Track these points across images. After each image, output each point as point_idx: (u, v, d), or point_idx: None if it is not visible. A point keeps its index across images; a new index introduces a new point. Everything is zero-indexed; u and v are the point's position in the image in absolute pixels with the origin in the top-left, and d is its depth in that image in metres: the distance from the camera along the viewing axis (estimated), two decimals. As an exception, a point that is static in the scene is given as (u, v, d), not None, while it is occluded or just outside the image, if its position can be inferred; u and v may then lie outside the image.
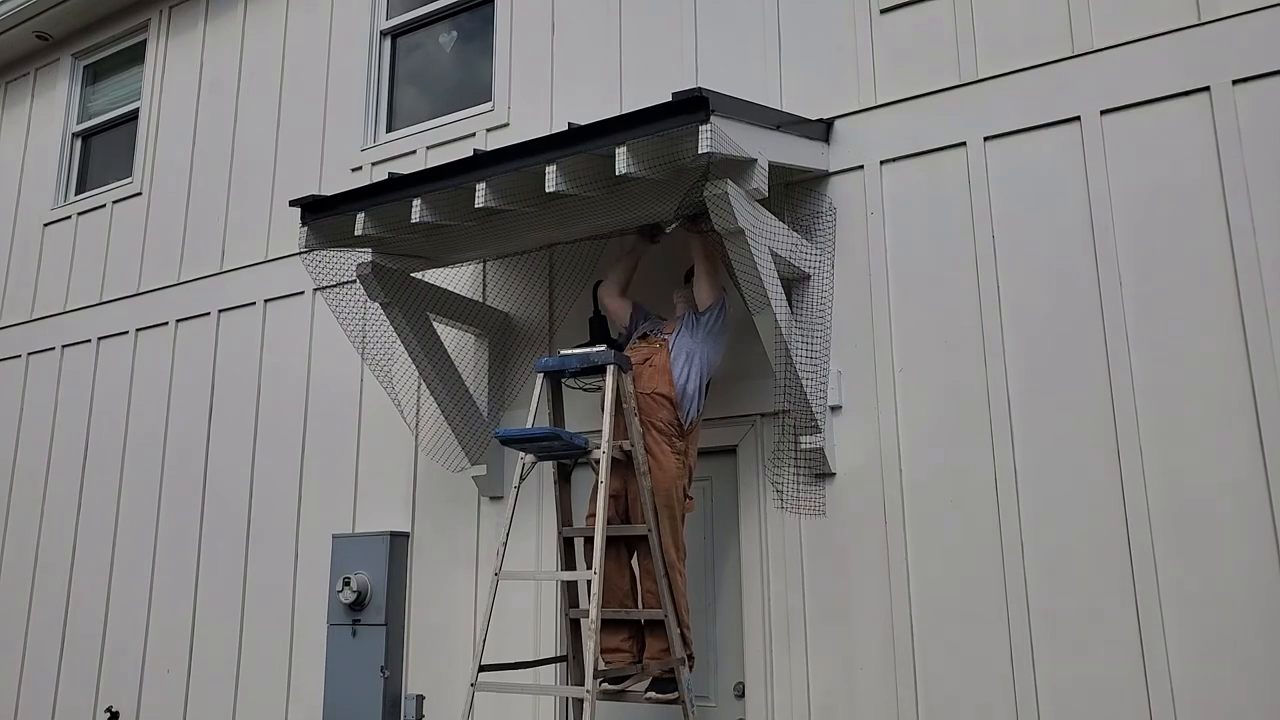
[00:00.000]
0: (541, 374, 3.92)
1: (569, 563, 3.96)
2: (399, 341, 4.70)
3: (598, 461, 3.69)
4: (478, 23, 5.80)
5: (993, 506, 3.77)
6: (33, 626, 6.62)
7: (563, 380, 4.07)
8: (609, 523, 3.70)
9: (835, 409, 4.13)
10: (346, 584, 4.96)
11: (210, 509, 5.97)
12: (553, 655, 4.40)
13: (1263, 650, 3.28)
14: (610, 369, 3.72)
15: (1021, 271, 3.89)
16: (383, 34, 6.13)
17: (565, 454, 3.85)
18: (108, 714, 6.03)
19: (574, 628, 3.94)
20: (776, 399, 4.07)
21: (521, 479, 3.80)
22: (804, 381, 3.94)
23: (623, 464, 3.80)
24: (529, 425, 3.82)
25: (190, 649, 5.82)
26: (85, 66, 7.83)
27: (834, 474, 4.09)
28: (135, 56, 7.49)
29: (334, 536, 5.26)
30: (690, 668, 3.76)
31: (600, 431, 3.69)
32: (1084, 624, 3.55)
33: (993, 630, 3.70)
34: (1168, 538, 3.47)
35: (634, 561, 3.92)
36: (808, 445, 4.04)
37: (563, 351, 3.92)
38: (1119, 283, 3.70)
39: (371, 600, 4.94)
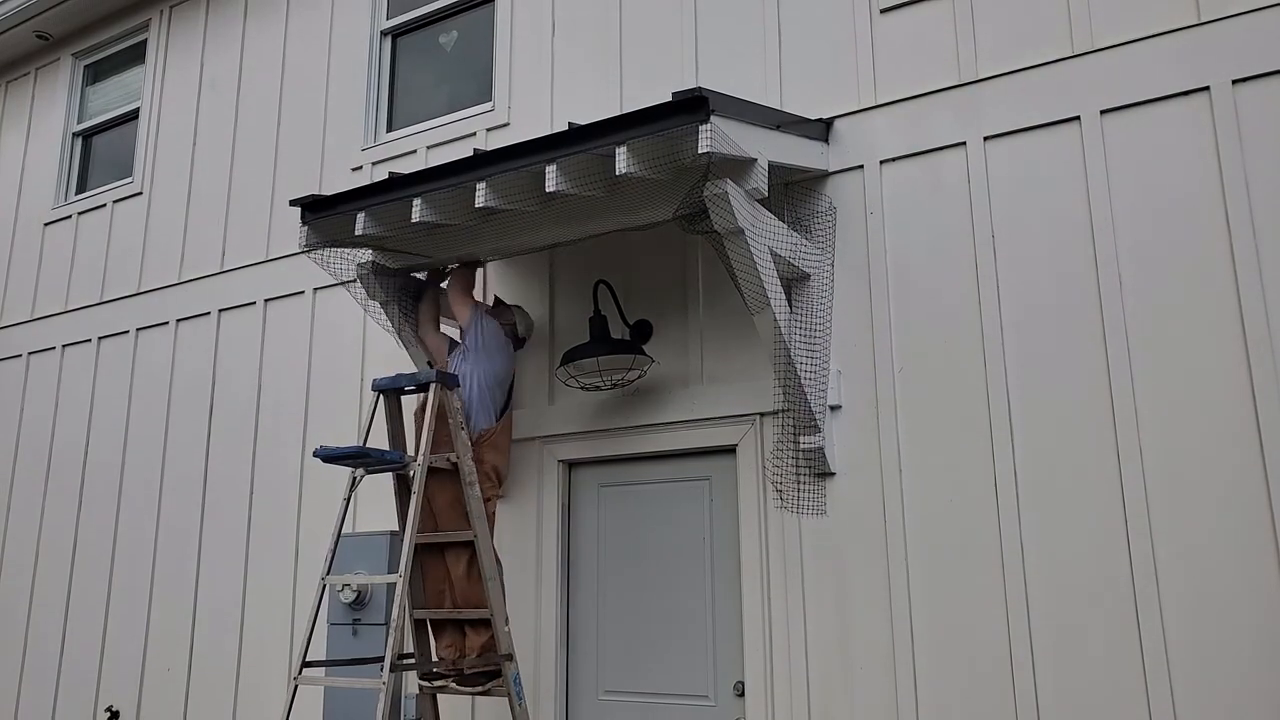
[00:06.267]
0: (378, 393, 4.18)
1: (416, 567, 4.20)
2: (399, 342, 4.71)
3: (413, 475, 3.97)
4: (478, 23, 5.80)
5: (993, 506, 3.78)
6: (33, 626, 6.63)
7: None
8: (436, 530, 4.17)
9: (835, 409, 4.13)
10: (347, 584, 4.96)
11: (210, 508, 5.97)
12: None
13: (1262, 650, 3.28)
14: (432, 386, 4.04)
15: (1021, 271, 3.89)
16: (383, 34, 6.13)
17: (381, 467, 4.08)
18: (108, 714, 6.04)
19: (418, 628, 4.27)
20: (776, 399, 4.07)
21: (352, 490, 4.04)
22: (804, 381, 3.94)
23: (450, 474, 4.14)
24: (362, 442, 4.09)
25: (190, 649, 5.82)
26: (86, 66, 7.84)
27: (834, 474, 4.09)
28: (135, 56, 7.49)
29: (334, 536, 5.26)
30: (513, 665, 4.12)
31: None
32: (1083, 624, 3.55)
33: (992, 630, 3.70)
34: (1167, 537, 3.47)
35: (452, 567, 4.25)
36: (808, 445, 4.04)
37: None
38: (1119, 282, 3.70)
39: (372, 600, 4.94)
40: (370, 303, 4.71)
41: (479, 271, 4.99)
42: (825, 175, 4.35)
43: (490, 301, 4.98)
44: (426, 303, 4.80)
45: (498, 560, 4.34)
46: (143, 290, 6.73)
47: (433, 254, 4.65)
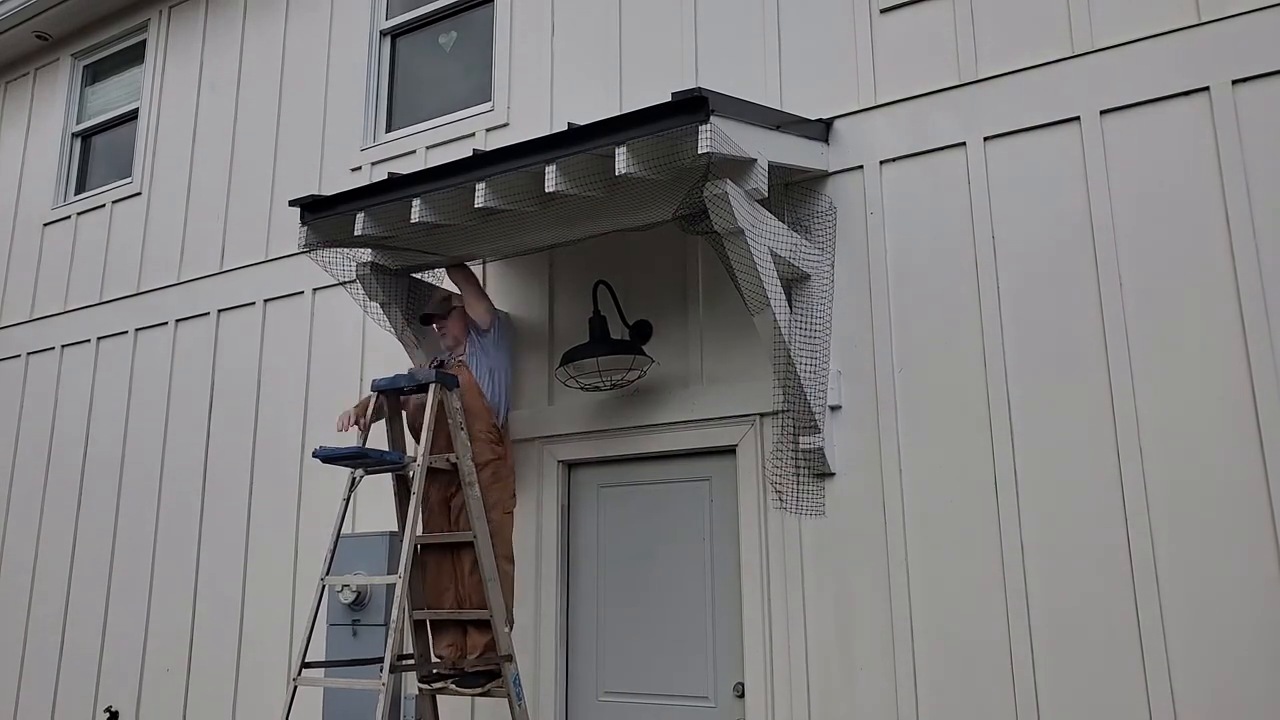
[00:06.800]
0: (378, 393, 4.18)
1: (414, 567, 4.21)
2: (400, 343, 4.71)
3: (413, 475, 4.00)
4: (477, 23, 5.80)
5: (993, 506, 3.77)
6: (32, 626, 6.62)
7: (568, 379, 4.16)
8: (440, 530, 4.25)
9: (835, 409, 4.13)
10: (346, 584, 4.95)
11: (210, 509, 5.97)
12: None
13: (1262, 649, 3.28)
14: (432, 387, 4.03)
15: (1021, 271, 3.89)
16: (383, 34, 6.13)
17: (380, 467, 4.08)
18: (107, 714, 6.04)
19: (418, 628, 4.29)
20: (776, 399, 4.07)
21: (351, 490, 4.06)
22: (804, 381, 3.94)
23: (445, 475, 4.18)
24: (361, 443, 4.08)
25: (190, 649, 5.82)
26: (85, 66, 7.83)
27: (834, 474, 4.09)
28: (135, 56, 7.48)
29: (334, 536, 5.26)
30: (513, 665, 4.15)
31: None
32: (1084, 624, 3.55)
33: (993, 630, 3.70)
34: (1168, 538, 3.47)
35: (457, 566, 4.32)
36: (807, 445, 4.04)
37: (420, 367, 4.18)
38: (1119, 283, 3.70)
39: (371, 600, 4.94)
40: (370, 303, 4.71)
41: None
42: (825, 175, 4.35)
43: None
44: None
45: (511, 559, 4.35)
46: (142, 290, 6.73)
47: (433, 254, 4.65)
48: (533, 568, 4.76)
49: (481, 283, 5.19)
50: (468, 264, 4.80)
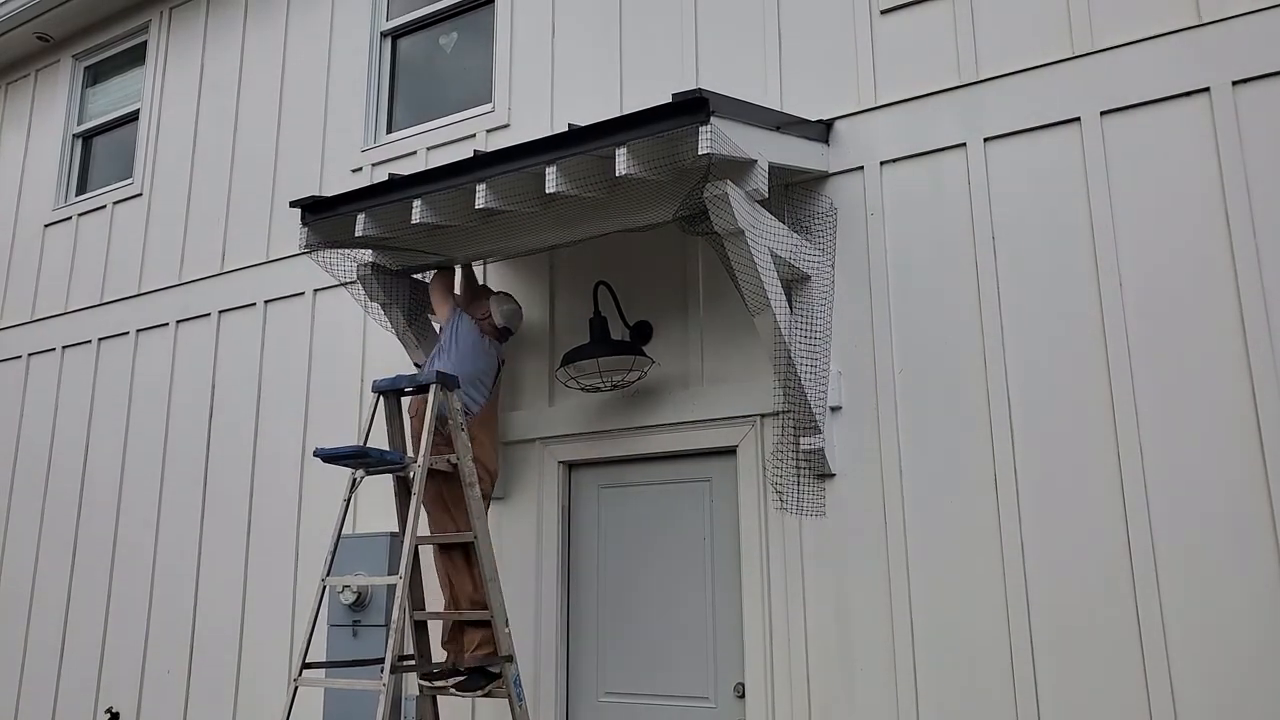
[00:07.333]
0: (379, 394, 4.14)
1: (414, 568, 4.20)
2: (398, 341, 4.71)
3: (413, 476, 3.96)
4: (478, 24, 5.80)
5: (993, 506, 3.78)
6: (33, 627, 6.63)
7: (565, 381, 4.14)
8: (444, 530, 4.22)
9: (835, 409, 4.13)
10: (347, 585, 4.96)
11: (210, 509, 5.97)
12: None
13: (1262, 648, 3.28)
14: (433, 388, 3.97)
15: (1021, 272, 3.89)
16: (383, 35, 6.14)
17: (381, 468, 4.04)
18: (108, 715, 6.04)
19: (419, 628, 4.26)
20: (776, 399, 4.08)
21: (352, 491, 4.02)
22: (804, 382, 3.94)
23: (440, 475, 4.16)
24: (362, 443, 4.04)
25: (190, 650, 5.82)
26: (86, 68, 7.84)
27: (834, 474, 4.09)
28: (136, 57, 7.49)
29: (334, 537, 5.26)
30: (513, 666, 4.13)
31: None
32: (1084, 624, 3.55)
33: (992, 630, 3.70)
34: (1167, 538, 3.47)
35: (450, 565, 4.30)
36: (808, 446, 4.04)
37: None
38: (1119, 283, 3.70)
39: (372, 601, 4.94)
40: (370, 304, 4.72)
41: (458, 270, 4.97)
42: (825, 176, 4.35)
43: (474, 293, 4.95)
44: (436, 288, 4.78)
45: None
46: (143, 291, 6.73)
47: (433, 254, 4.65)
48: (533, 568, 4.76)
49: (482, 279, 5.20)
50: (470, 265, 4.80)
